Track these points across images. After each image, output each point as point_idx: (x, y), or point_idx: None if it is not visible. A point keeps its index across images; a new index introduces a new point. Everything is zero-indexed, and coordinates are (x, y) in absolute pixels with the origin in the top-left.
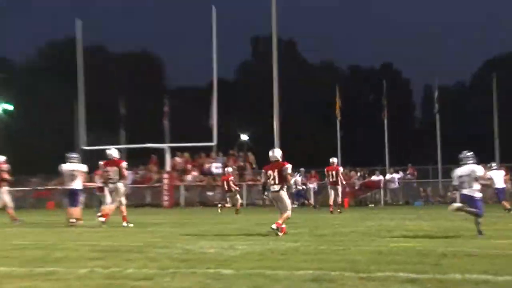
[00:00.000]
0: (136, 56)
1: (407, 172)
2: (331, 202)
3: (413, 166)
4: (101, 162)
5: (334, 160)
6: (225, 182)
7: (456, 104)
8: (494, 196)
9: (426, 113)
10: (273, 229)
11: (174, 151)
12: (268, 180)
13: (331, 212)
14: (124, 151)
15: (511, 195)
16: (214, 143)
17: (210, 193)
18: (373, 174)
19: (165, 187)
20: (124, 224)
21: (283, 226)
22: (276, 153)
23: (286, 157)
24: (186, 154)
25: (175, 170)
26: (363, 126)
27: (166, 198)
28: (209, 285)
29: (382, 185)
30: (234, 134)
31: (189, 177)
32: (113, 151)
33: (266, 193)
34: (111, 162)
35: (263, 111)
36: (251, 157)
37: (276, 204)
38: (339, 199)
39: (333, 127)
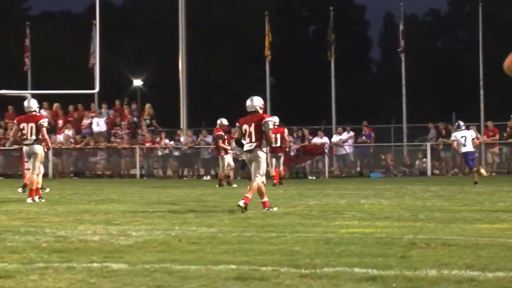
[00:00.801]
0: None
1: (362, 133)
2: (274, 173)
3: (369, 125)
4: None
5: (276, 119)
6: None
7: (428, 41)
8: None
9: (387, 54)
10: (240, 206)
11: (40, 101)
12: (243, 138)
13: (275, 185)
14: None
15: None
16: (95, 90)
17: (92, 159)
18: (315, 135)
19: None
20: (31, 200)
21: (265, 199)
22: (256, 101)
23: (193, 115)
24: (56, 106)
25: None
26: (301, 70)
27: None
28: (94, 285)
29: (327, 150)
30: (125, 79)
31: (60, 137)
32: (32, 102)
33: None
34: (29, 117)
35: (165, 47)
36: (149, 110)
37: (249, 166)
38: (282, 170)
39: (261, 71)
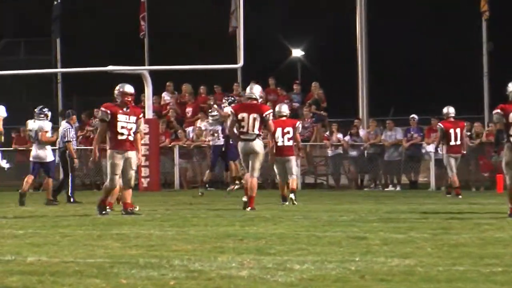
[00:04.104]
0: None
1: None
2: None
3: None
4: None
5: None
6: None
7: None
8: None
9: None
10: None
11: (160, 81)
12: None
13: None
14: None
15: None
16: (239, 64)
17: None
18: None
19: None
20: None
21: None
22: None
23: (378, 98)
24: (186, 87)
25: None
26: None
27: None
28: None
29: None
30: (279, 48)
31: (189, 131)
32: (256, 88)
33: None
34: (250, 106)
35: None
36: (317, 92)
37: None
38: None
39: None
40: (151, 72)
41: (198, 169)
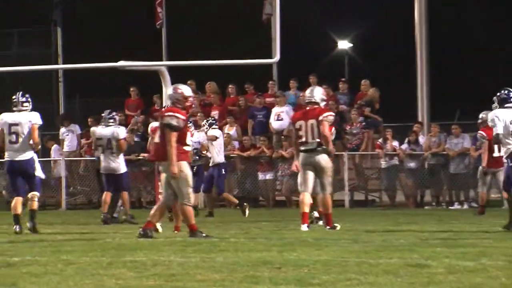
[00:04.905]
0: None
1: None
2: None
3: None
4: None
5: (318, 92)
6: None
7: None
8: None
9: None
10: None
11: (181, 78)
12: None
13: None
14: None
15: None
16: (275, 59)
17: (262, 176)
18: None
19: None
20: None
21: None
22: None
23: (440, 100)
24: (211, 86)
25: None
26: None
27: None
28: None
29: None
30: (322, 40)
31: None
32: (316, 91)
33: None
34: (309, 111)
35: None
36: (373, 92)
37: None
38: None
39: None
40: (170, 68)
41: (226, 183)
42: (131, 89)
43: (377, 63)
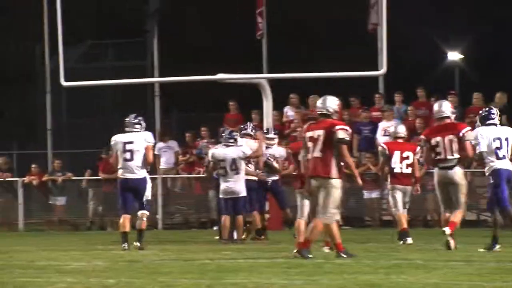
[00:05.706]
0: None
1: None
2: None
3: None
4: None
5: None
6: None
7: None
8: None
9: None
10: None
11: (280, 92)
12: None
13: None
14: None
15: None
16: (381, 71)
17: (367, 194)
18: None
19: None
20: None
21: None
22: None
23: None
24: (314, 99)
25: None
26: None
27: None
28: None
29: None
30: (431, 50)
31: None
32: (445, 105)
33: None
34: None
35: None
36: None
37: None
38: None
39: None
40: (271, 81)
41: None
42: (230, 103)
43: (488, 75)
